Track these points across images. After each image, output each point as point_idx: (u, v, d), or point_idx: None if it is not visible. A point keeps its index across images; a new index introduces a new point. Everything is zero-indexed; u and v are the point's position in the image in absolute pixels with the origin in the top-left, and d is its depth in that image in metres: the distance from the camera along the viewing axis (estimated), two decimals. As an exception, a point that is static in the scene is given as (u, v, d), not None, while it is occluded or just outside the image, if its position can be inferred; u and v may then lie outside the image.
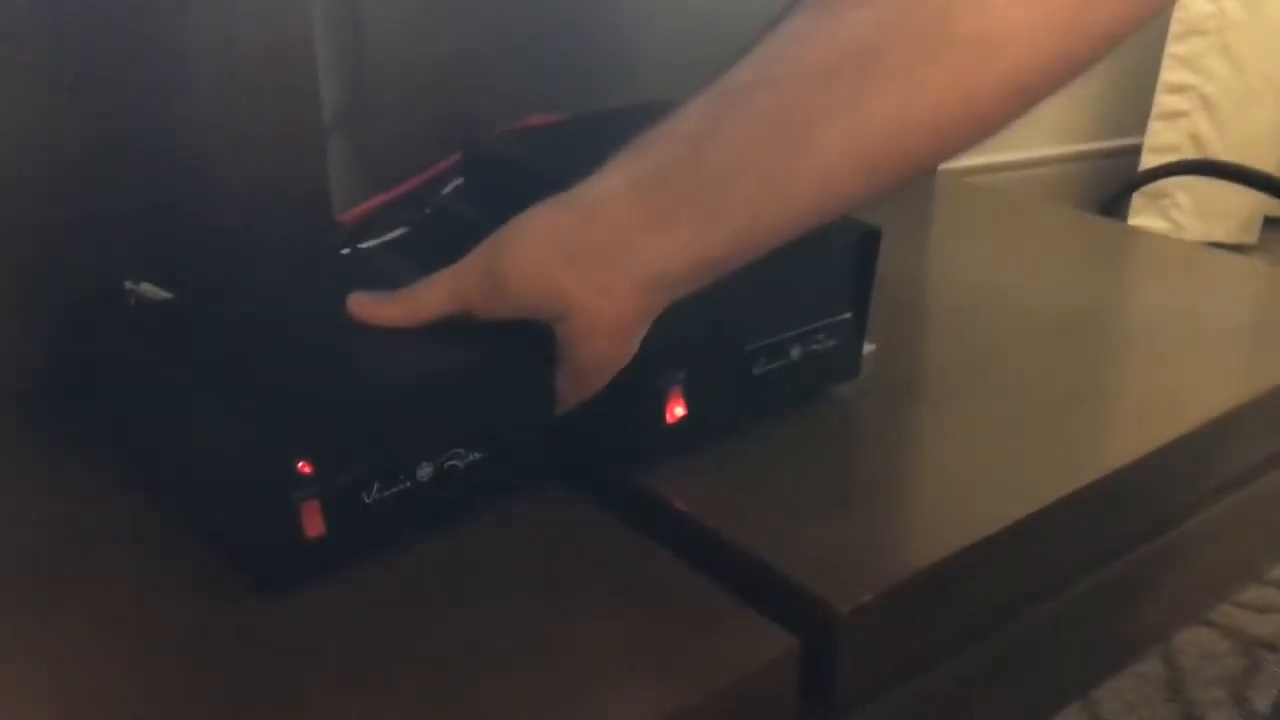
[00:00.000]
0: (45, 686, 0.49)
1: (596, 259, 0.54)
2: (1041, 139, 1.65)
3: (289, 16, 0.74)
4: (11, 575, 0.56)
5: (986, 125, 0.51)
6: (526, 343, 0.58)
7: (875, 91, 0.49)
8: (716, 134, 0.52)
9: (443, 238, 0.75)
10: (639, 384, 0.62)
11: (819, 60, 0.50)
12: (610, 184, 0.55)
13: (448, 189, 0.76)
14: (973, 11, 0.48)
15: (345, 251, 0.74)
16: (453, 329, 0.59)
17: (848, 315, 0.70)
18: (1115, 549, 0.70)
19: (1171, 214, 1.74)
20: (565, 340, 0.57)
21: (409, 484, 0.56)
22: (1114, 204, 1.65)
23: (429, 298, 0.59)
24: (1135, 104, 1.70)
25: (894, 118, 0.50)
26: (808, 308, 0.68)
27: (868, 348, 0.73)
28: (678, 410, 0.64)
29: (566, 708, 0.48)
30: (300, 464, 0.51)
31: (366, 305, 0.60)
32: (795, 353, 0.69)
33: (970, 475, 0.66)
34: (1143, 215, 1.74)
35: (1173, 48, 1.66)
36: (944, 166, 1.26)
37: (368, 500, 0.54)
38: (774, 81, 0.51)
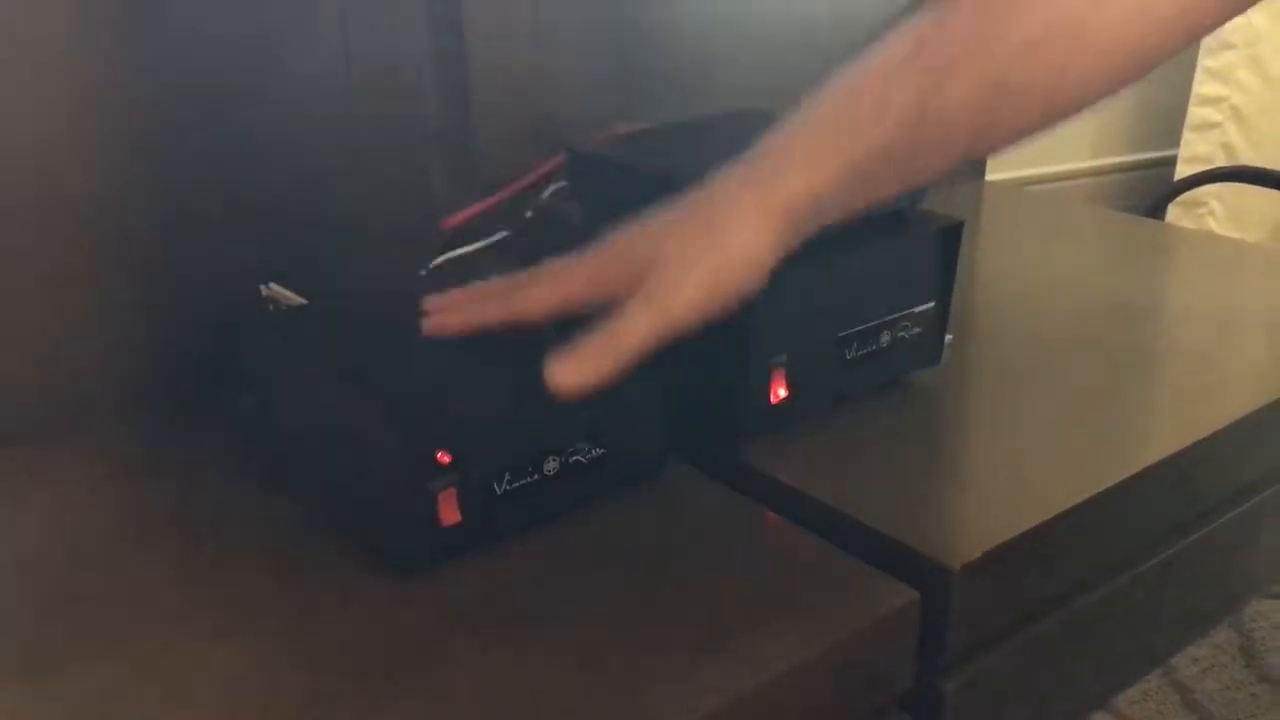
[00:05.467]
0: (201, 669, 0.53)
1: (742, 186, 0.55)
2: (1079, 152, 1.70)
3: (400, 38, 0.79)
4: (155, 563, 0.60)
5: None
6: None
7: (1081, 60, 0.52)
8: (928, 111, 0.52)
9: (543, 238, 0.79)
10: (747, 367, 0.67)
11: (1024, 35, 0.51)
12: (803, 159, 0.54)
13: (547, 192, 0.80)
14: None
15: (448, 256, 0.78)
16: (579, 333, 0.62)
17: (931, 305, 0.74)
18: (1185, 523, 0.74)
19: (1206, 221, 1.78)
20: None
21: (537, 476, 0.59)
22: (1151, 212, 1.69)
23: (533, 297, 0.58)
24: (1169, 117, 1.75)
25: (1097, 80, 0.53)
26: (896, 297, 0.73)
27: (946, 337, 0.77)
28: (780, 391, 0.68)
29: (711, 653, 0.52)
30: (439, 455, 0.55)
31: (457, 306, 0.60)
32: (885, 340, 0.73)
33: (1050, 452, 0.70)
34: (1179, 222, 1.78)
35: (1205, 61, 1.70)
36: (990, 179, 1.30)
37: (499, 491, 0.58)
38: (981, 55, 0.52)
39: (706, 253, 0.53)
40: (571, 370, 0.53)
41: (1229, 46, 1.70)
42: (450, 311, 0.61)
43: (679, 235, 0.55)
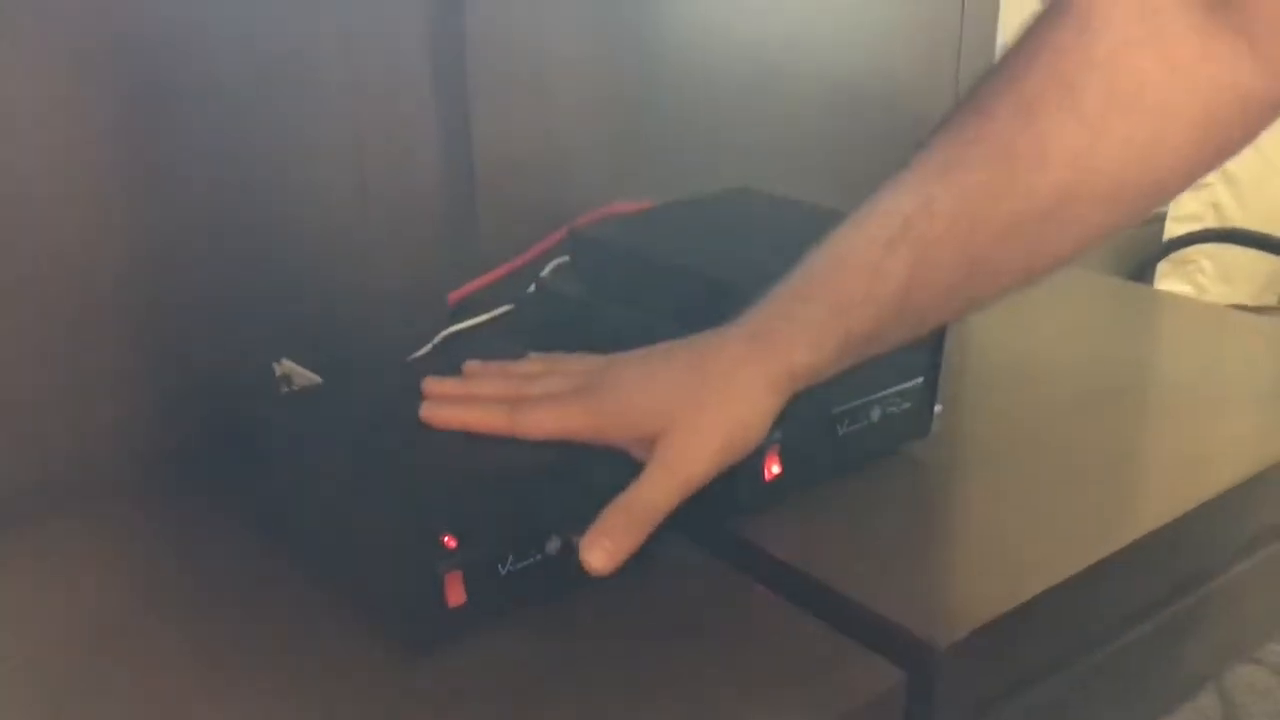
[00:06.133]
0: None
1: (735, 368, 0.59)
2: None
3: (407, 115, 0.82)
4: (162, 638, 0.62)
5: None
6: None
7: (1055, 240, 0.57)
8: (914, 287, 0.57)
9: (545, 312, 0.82)
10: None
11: (1005, 221, 0.56)
12: (802, 338, 0.59)
13: (549, 268, 0.83)
14: (1137, 167, 0.55)
15: (453, 329, 0.81)
16: None
17: (921, 380, 0.77)
18: (1170, 593, 0.75)
19: (1196, 279, 1.81)
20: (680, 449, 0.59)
21: (539, 557, 0.61)
22: (1142, 270, 1.73)
23: (535, 423, 0.62)
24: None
25: (1069, 252, 0.58)
26: (886, 374, 0.75)
27: (936, 408, 0.79)
28: (774, 469, 0.70)
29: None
30: (446, 538, 0.57)
31: (465, 413, 0.63)
32: (875, 415, 0.75)
33: (1035, 526, 0.72)
34: (1169, 280, 1.81)
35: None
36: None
37: (502, 572, 0.60)
38: (964, 238, 0.56)
39: (716, 419, 0.58)
40: (604, 554, 0.57)
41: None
42: (447, 404, 0.64)
43: (686, 400, 0.59)
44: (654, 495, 0.57)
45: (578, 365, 0.65)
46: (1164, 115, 0.54)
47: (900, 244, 0.56)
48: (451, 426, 0.62)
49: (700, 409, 0.58)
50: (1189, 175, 0.57)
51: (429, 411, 0.63)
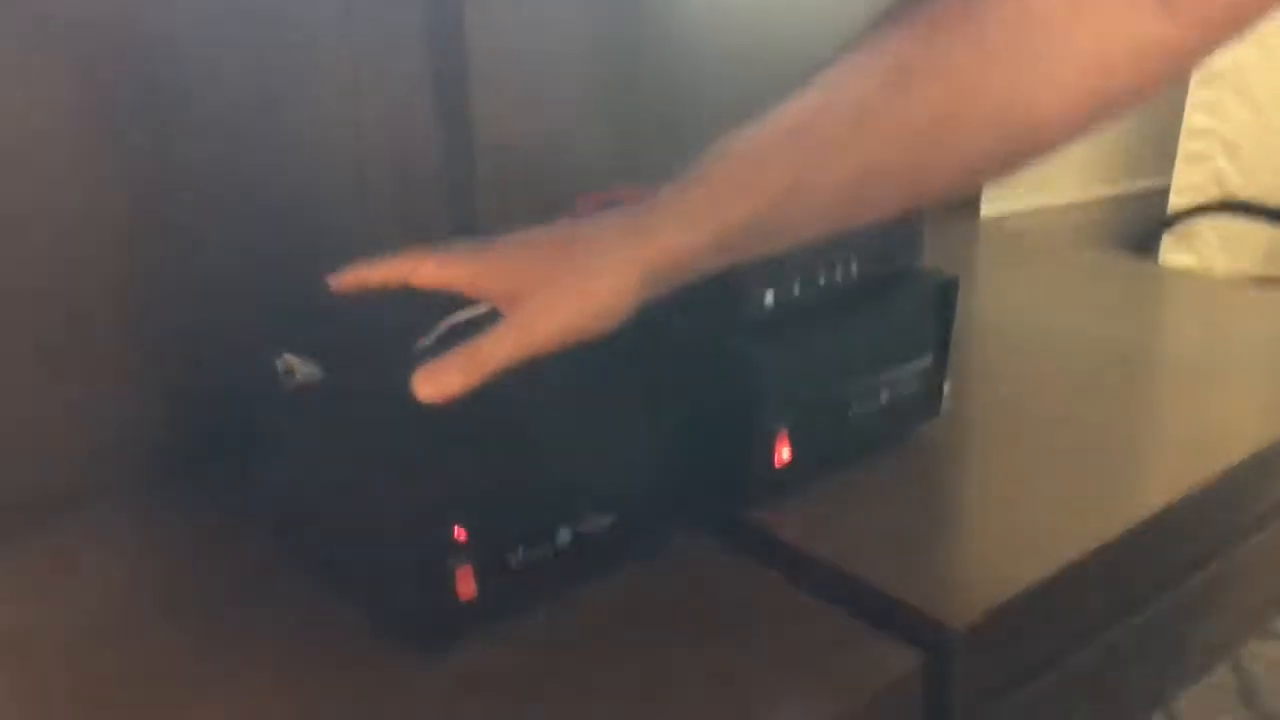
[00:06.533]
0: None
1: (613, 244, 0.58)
2: (1074, 183, 1.72)
3: (408, 108, 0.81)
4: (171, 637, 0.62)
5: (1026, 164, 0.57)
6: (656, 418, 0.65)
7: (940, 161, 0.56)
8: (801, 186, 0.56)
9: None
10: (751, 433, 0.68)
11: (892, 130, 0.55)
12: (677, 220, 0.58)
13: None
14: (1022, 100, 0.54)
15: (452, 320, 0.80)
16: (589, 406, 0.64)
17: (929, 360, 0.76)
18: (1185, 569, 0.75)
19: (1201, 250, 1.80)
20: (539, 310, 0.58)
21: (550, 548, 0.61)
22: (1146, 242, 1.72)
23: (425, 269, 0.62)
24: (1161, 147, 1.77)
25: (953, 178, 0.57)
26: (894, 354, 0.74)
27: (945, 388, 0.79)
28: (784, 454, 0.70)
29: (721, 720, 0.54)
30: (456, 531, 0.57)
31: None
32: (885, 396, 0.74)
33: (1049, 504, 0.72)
34: (1173, 252, 1.80)
35: (1194, 93, 1.73)
36: (985, 214, 1.32)
37: (513, 564, 0.60)
38: (854, 143, 0.56)
39: (575, 289, 0.57)
40: (432, 383, 0.56)
41: (1218, 78, 1.73)
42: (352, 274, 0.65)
43: (555, 266, 0.59)
44: (496, 348, 0.57)
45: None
46: (1060, 52, 0.53)
47: (791, 140, 0.56)
48: (352, 286, 0.64)
49: (558, 278, 0.58)
50: (1072, 122, 0.55)
51: (335, 287, 0.65)
